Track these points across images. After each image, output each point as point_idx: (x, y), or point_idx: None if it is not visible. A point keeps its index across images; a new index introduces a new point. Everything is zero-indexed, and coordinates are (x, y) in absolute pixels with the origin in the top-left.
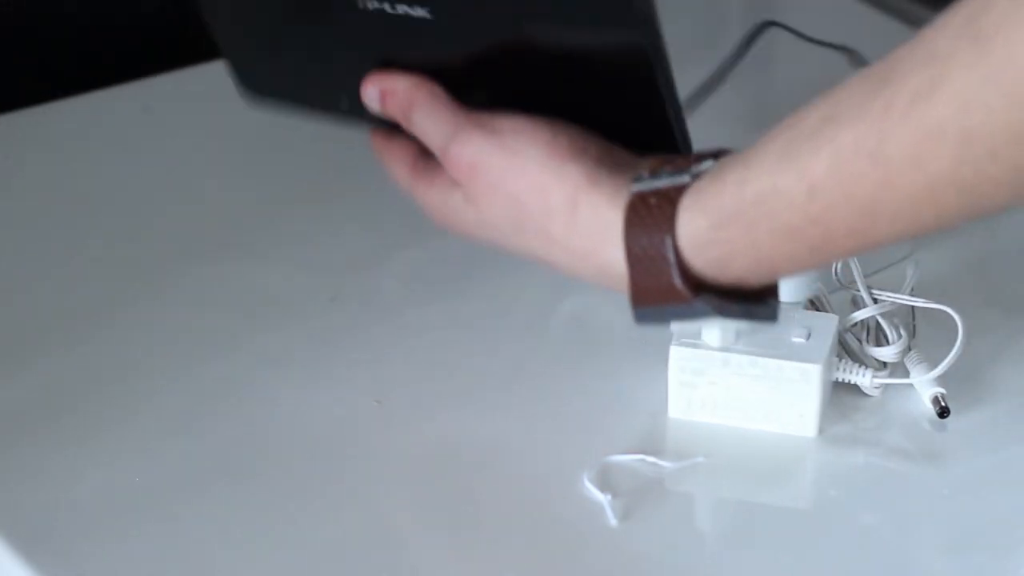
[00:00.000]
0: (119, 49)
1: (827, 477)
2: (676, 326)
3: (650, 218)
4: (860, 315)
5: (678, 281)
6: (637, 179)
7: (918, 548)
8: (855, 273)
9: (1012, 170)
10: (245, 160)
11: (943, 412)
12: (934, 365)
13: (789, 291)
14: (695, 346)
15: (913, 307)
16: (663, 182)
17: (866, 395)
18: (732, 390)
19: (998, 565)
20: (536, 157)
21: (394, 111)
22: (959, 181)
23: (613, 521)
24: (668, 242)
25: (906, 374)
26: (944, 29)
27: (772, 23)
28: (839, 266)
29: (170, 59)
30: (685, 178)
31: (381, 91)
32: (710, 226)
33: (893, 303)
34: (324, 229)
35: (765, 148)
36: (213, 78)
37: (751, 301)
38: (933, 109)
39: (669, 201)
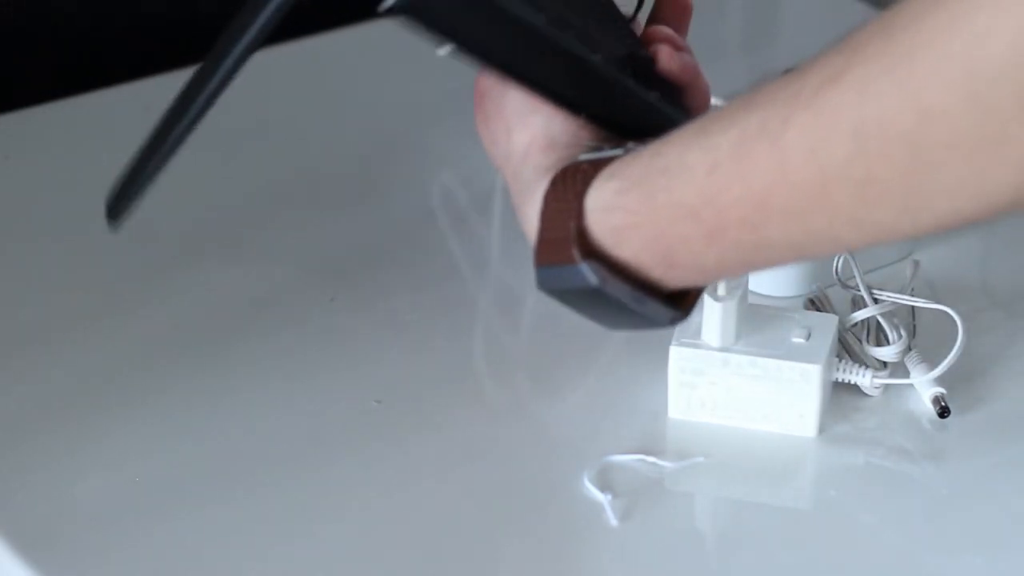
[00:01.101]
0: (119, 49)
1: (827, 477)
2: (678, 328)
3: (571, 180)
4: (860, 315)
5: (572, 238)
6: (586, 150)
7: (918, 548)
8: (855, 273)
9: (901, 175)
10: (245, 160)
11: (943, 412)
12: (934, 365)
13: (789, 287)
14: (695, 346)
15: (913, 307)
16: (603, 154)
17: (866, 395)
18: (732, 390)
19: (998, 565)
20: (516, 98)
21: None
22: (850, 179)
23: (613, 521)
24: (575, 201)
25: (906, 374)
26: (870, 24)
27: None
28: (839, 265)
29: (170, 59)
30: (619, 152)
31: None
32: (616, 190)
33: (893, 303)
34: (324, 229)
35: (686, 127)
36: None
37: (647, 293)
38: (834, 96)
39: (594, 168)
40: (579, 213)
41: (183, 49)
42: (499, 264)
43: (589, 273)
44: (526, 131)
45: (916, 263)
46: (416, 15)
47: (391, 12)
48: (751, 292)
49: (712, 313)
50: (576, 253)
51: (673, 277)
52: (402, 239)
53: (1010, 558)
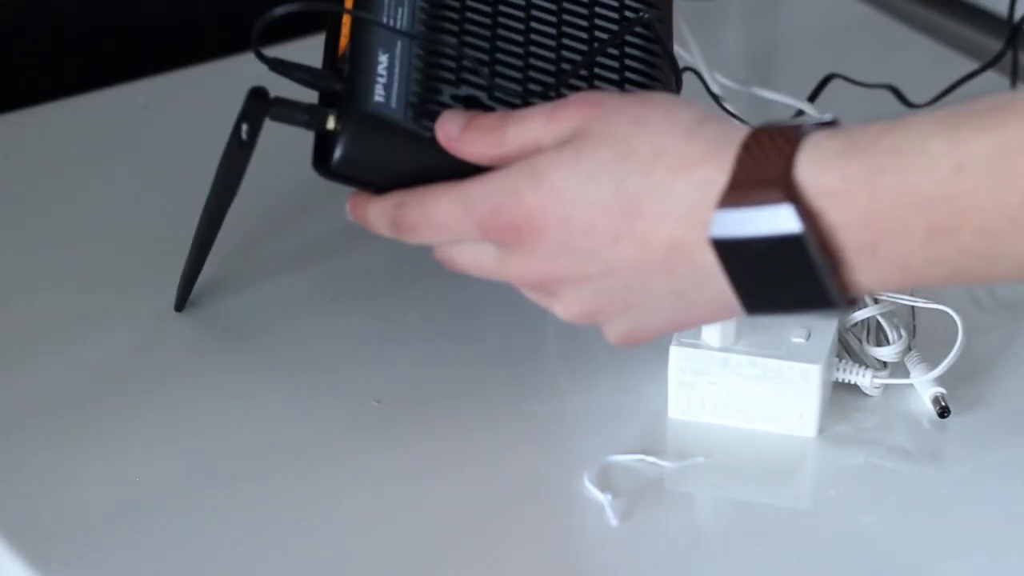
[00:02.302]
0: (119, 49)
1: (827, 477)
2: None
3: (778, 133)
4: (860, 315)
5: (779, 178)
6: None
7: (918, 548)
8: None
9: None
10: None
11: (943, 412)
12: (934, 365)
13: None
14: (695, 346)
15: (913, 307)
16: (806, 119)
17: (866, 395)
18: (732, 390)
19: (998, 565)
20: (659, 95)
21: (484, 129)
22: None
23: (613, 521)
24: (788, 147)
25: (906, 374)
26: None
27: (834, 75)
28: None
29: (170, 59)
30: (826, 117)
31: (467, 121)
32: (837, 151)
33: (893, 303)
34: (324, 228)
35: (919, 116)
36: (213, 78)
37: (831, 278)
38: None
39: (801, 129)
40: (790, 159)
41: (183, 49)
42: None
43: (793, 217)
44: (691, 107)
45: None
46: (340, 176)
47: (323, 175)
48: None
49: None
50: (782, 193)
51: (864, 267)
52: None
53: (1010, 558)
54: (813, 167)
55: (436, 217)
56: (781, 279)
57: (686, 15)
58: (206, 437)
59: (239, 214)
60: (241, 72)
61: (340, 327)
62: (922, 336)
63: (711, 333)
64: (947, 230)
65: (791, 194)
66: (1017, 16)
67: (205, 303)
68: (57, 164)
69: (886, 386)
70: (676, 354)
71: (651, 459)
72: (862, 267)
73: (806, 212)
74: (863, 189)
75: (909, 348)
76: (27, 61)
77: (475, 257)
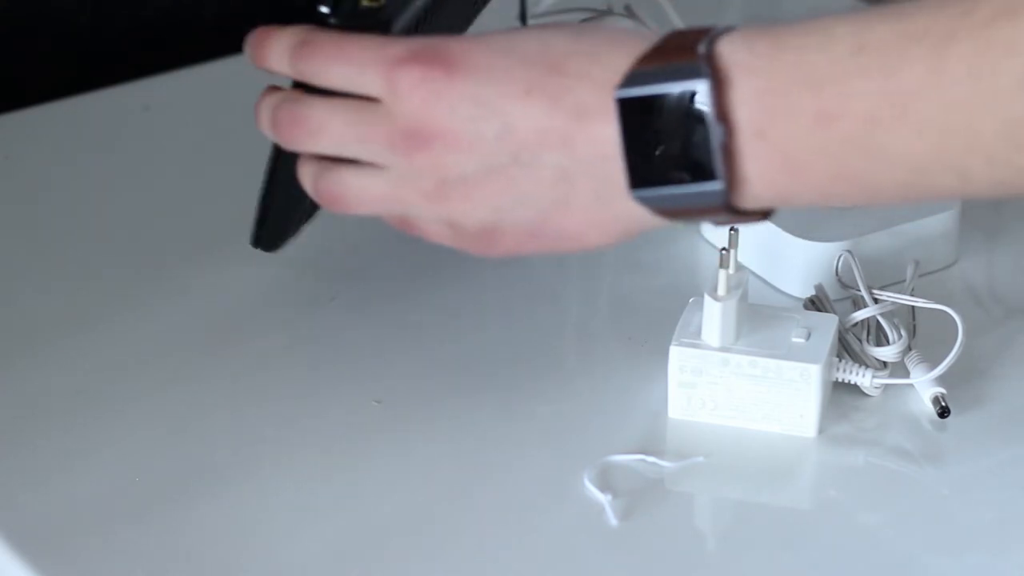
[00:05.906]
0: (119, 49)
1: (827, 477)
2: (677, 327)
3: (690, 29)
4: (860, 315)
5: (701, 40)
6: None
7: (918, 548)
8: (855, 273)
9: None
10: (245, 160)
11: (943, 412)
12: (934, 365)
13: (791, 287)
14: (695, 346)
15: (913, 307)
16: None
17: (866, 395)
18: (732, 390)
19: (998, 565)
20: (539, 27)
21: (316, 50)
22: (1007, 118)
23: (613, 521)
24: (704, 31)
25: (906, 374)
26: None
27: None
28: (839, 265)
29: (170, 59)
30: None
31: (301, 41)
32: (753, 32)
33: (893, 303)
34: (324, 229)
35: (845, 12)
36: (213, 78)
37: (722, 159)
38: (1008, 30)
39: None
40: (713, 38)
41: (183, 49)
42: (499, 264)
43: (702, 71)
44: (595, 32)
45: (916, 263)
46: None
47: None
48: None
49: (712, 313)
50: (696, 57)
51: (752, 153)
52: (403, 239)
53: (1011, 558)
54: (728, 43)
55: (349, 50)
56: (675, 146)
57: (683, 10)
58: (205, 437)
59: (239, 215)
60: (241, 72)
61: (340, 327)
62: (922, 336)
63: (711, 333)
64: (833, 116)
65: (706, 58)
66: None
67: (204, 302)
68: (57, 164)
69: (886, 386)
70: (676, 354)
71: (651, 459)
72: (751, 153)
73: (715, 75)
74: (765, 65)
75: (909, 348)
76: (27, 61)
77: (360, 113)
